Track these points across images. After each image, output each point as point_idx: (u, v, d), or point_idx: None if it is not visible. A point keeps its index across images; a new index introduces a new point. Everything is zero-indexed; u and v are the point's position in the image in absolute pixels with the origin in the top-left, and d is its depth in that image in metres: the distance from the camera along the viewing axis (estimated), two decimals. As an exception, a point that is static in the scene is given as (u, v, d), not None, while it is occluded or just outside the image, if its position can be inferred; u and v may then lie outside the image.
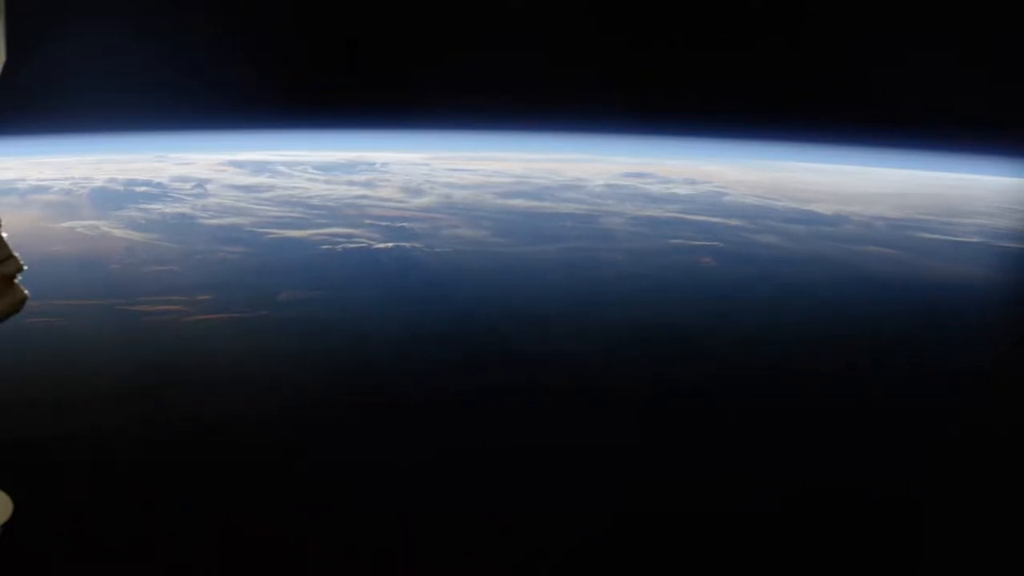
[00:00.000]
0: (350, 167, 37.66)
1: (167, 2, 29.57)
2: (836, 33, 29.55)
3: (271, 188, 33.54)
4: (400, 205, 32.02)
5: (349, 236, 28.00)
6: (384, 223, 29.59)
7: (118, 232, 27.53)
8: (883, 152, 39.06)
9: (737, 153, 40.66)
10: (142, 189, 31.63)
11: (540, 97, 32.73)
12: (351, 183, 35.07)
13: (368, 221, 29.79)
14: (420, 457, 14.66)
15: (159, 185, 32.14)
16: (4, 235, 3.36)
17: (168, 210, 29.91)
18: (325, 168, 37.10)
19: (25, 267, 3.40)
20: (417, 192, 33.95)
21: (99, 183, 31.99)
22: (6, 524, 3.51)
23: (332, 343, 20.43)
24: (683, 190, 35.26)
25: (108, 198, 30.69)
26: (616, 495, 13.54)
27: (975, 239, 29.49)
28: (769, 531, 12.52)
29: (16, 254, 3.39)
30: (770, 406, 17.30)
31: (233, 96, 30.37)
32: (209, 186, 32.92)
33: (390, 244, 27.35)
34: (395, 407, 17.19)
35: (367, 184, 35.05)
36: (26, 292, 3.42)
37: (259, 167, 36.24)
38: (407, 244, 27.44)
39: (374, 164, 38.09)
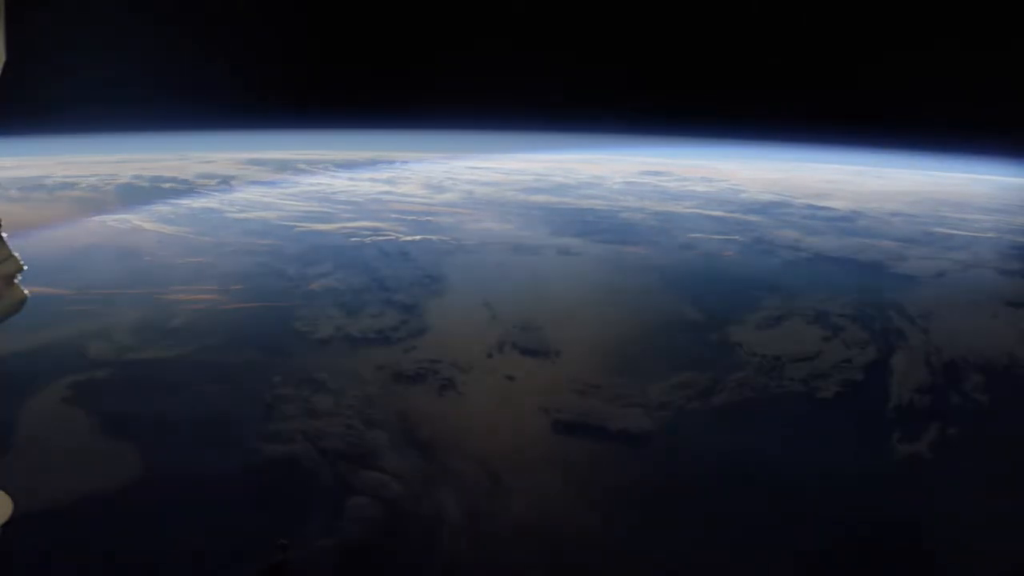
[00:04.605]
0: (371, 165, 37.91)
1: (167, 2, 29.58)
2: (836, 33, 30.00)
3: (295, 184, 33.84)
4: (424, 200, 32.29)
5: (376, 229, 28.15)
6: (410, 217, 29.81)
7: (148, 225, 27.77)
8: (885, 152, 39.66)
9: (740, 153, 41.16)
10: (168, 185, 31.85)
11: (539, 98, 32.91)
12: (373, 180, 35.34)
13: (393, 215, 30.00)
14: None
15: (184, 182, 32.32)
16: (4, 235, 3.25)
17: (196, 205, 30.13)
18: (346, 166, 37.28)
19: (25, 267, 3.30)
20: (439, 188, 34.24)
21: (125, 180, 32.10)
22: (6, 524, 3.48)
23: (363, 333, 20.49)
24: (700, 187, 35.68)
25: (136, 194, 30.90)
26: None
27: (988, 234, 29.93)
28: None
29: (16, 254, 3.27)
30: (794, 390, 17.75)
31: (233, 96, 30.40)
32: (233, 182, 33.14)
33: (417, 236, 27.50)
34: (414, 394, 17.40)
35: (389, 181, 35.36)
36: (26, 292, 3.32)
37: (281, 165, 36.40)
38: (434, 237, 27.62)
39: (394, 162, 38.33)
